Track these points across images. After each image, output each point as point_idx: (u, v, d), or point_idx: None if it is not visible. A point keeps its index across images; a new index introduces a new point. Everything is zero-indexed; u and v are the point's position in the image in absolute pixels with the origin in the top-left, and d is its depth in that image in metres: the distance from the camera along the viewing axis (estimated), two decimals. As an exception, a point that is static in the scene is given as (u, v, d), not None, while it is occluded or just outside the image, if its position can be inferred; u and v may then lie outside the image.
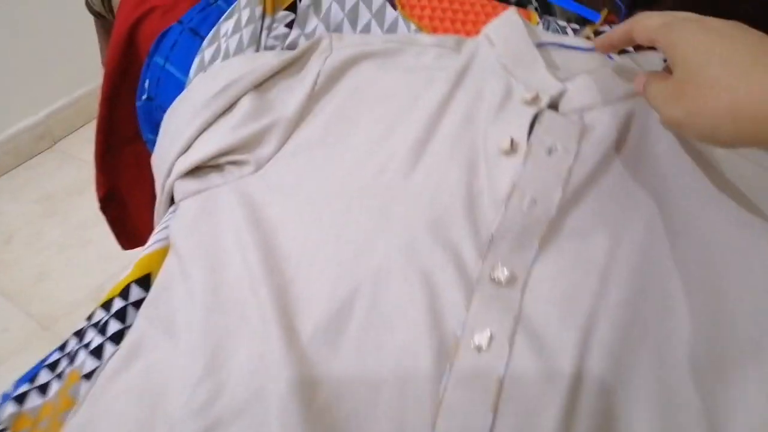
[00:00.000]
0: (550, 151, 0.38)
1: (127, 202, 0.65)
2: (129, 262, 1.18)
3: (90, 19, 1.44)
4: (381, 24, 0.52)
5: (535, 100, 0.40)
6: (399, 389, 0.31)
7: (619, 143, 0.39)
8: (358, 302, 0.34)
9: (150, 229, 0.65)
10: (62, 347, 0.42)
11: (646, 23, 0.36)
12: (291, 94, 0.46)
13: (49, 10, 1.58)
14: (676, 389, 0.30)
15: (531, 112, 0.40)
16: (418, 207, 0.37)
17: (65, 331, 1.03)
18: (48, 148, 1.64)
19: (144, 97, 0.53)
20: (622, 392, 0.30)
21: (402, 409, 0.30)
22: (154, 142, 0.55)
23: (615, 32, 0.39)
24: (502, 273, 0.33)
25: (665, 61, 0.43)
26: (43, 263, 1.23)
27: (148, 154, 0.61)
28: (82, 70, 1.69)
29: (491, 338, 0.31)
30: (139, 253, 0.47)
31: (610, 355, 0.31)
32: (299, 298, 0.35)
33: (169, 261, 0.41)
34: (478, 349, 0.31)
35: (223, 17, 0.51)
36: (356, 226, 0.38)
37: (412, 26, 0.51)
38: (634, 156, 0.38)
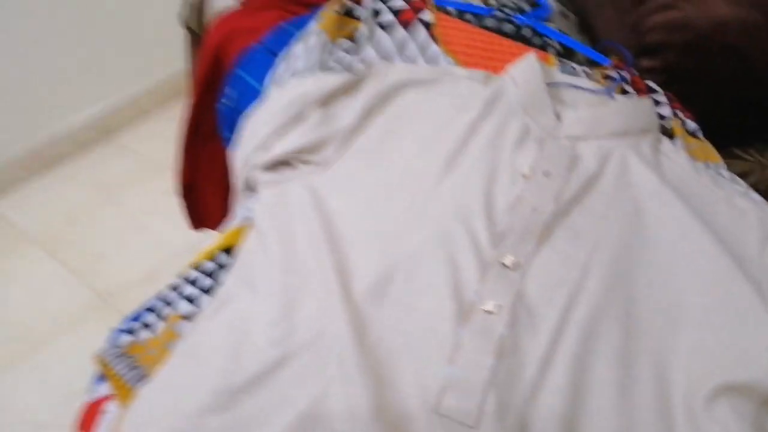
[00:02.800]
0: (546, 174, 0.49)
1: (200, 191, 0.77)
2: (179, 249, 1.34)
3: (147, 21, 1.59)
4: (424, 55, 0.63)
5: (541, 140, 0.52)
6: (426, 336, 0.41)
7: (599, 172, 0.50)
8: (397, 274, 0.45)
9: (217, 214, 0.78)
10: (160, 298, 0.54)
11: None
12: (350, 110, 0.57)
13: (110, 13, 1.73)
14: (633, 353, 0.41)
15: (539, 147, 0.51)
16: (448, 205, 0.48)
17: (121, 305, 1.16)
18: (104, 140, 1.79)
19: (226, 101, 0.65)
20: (591, 354, 0.40)
21: (427, 349, 0.41)
22: (230, 140, 0.68)
23: None
24: (509, 259, 0.44)
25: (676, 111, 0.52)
26: (102, 245, 1.36)
27: (222, 152, 0.73)
28: (139, 69, 1.85)
29: (498, 307, 0.42)
30: (198, 234, 0.58)
31: (582, 329, 0.41)
32: (352, 267, 0.47)
33: (251, 235, 0.53)
34: (487, 312, 0.42)
35: (295, 41, 0.63)
36: (398, 217, 0.49)
37: (450, 60, 0.62)
38: (612, 184, 0.49)
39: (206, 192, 0.76)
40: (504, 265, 0.44)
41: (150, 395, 0.44)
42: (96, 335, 1.10)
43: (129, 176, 1.59)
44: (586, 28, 0.98)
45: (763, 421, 0.38)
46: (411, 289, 0.44)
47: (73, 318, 1.17)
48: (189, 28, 0.76)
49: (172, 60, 1.92)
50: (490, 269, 0.44)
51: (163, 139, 1.74)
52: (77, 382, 1.03)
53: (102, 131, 1.77)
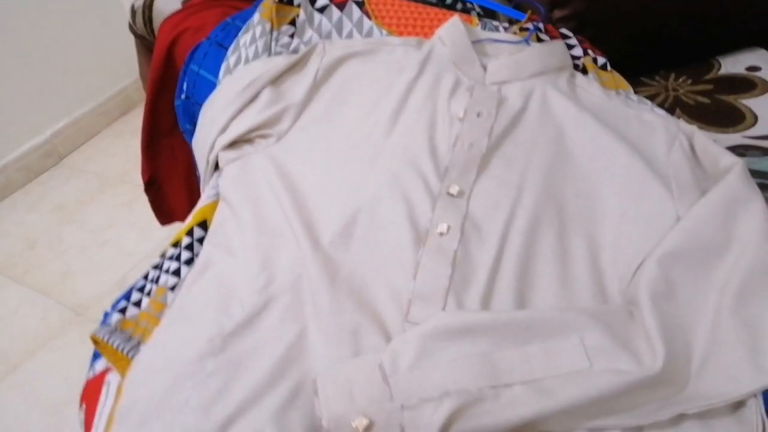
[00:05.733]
0: (479, 115, 0.56)
1: (163, 186, 0.80)
2: (145, 256, 1.37)
3: (83, 45, 1.62)
4: (360, 31, 0.69)
5: (471, 88, 0.58)
6: (392, 263, 0.47)
7: (524, 108, 0.57)
8: (360, 217, 0.51)
9: (183, 206, 0.81)
10: (145, 276, 0.58)
11: None
12: (298, 86, 0.62)
13: (46, 41, 1.72)
14: (568, 252, 0.48)
15: (470, 94, 0.57)
16: (397, 154, 0.54)
17: (98, 315, 1.17)
18: (55, 164, 1.77)
19: (183, 96, 0.69)
20: (532, 256, 0.47)
21: (394, 273, 0.46)
22: (190, 132, 0.71)
23: None
24: (455, 189, 0.50)
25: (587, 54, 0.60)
26: (67, 263, 1.36)
27: (181, 145, 0.77)
28: (81, 92, 1.84)
29: (449, 228, 0.48)
30: (160, 239, 0.62)
31: (523, 235, 0.48)
32: (318, 220, 0.52)
33: (221, 207, 0.57)
34: (441, 234, 0.48)
35: (241, 32, 0.67)
36: (353, 171, 0.54)
37: (384, 31, 0.68)
38: (536, 116, 0.56)
39: (170, 185, 0.79)
40: (450, 194, 0.50)
41: (149, 353, 0.48)
42: (76, 346, 1.12)
43: (84, 196, 1.59)
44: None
45: None
46: (374, 227, 0.50)
47: (49, 334, 1.18)
48: (138, 35, 0.79)
49: (112, 80, 1.93)
50: (439, 199, 0.50)
51: (112, 156, 1.74)
52: (62, 391, 1.05)
53: (52, 156, 1.76)
